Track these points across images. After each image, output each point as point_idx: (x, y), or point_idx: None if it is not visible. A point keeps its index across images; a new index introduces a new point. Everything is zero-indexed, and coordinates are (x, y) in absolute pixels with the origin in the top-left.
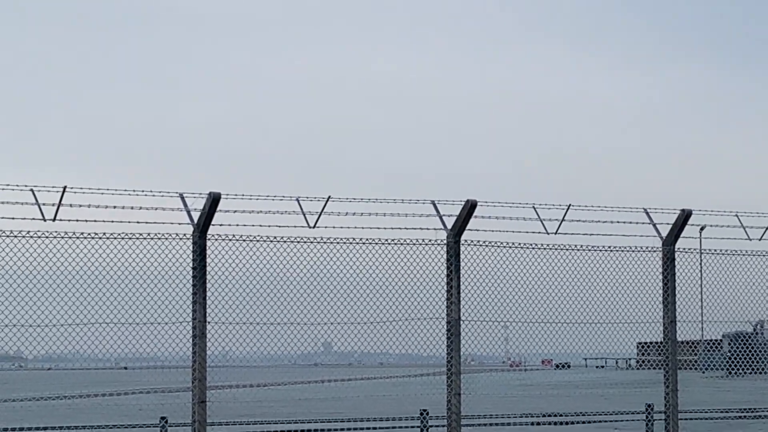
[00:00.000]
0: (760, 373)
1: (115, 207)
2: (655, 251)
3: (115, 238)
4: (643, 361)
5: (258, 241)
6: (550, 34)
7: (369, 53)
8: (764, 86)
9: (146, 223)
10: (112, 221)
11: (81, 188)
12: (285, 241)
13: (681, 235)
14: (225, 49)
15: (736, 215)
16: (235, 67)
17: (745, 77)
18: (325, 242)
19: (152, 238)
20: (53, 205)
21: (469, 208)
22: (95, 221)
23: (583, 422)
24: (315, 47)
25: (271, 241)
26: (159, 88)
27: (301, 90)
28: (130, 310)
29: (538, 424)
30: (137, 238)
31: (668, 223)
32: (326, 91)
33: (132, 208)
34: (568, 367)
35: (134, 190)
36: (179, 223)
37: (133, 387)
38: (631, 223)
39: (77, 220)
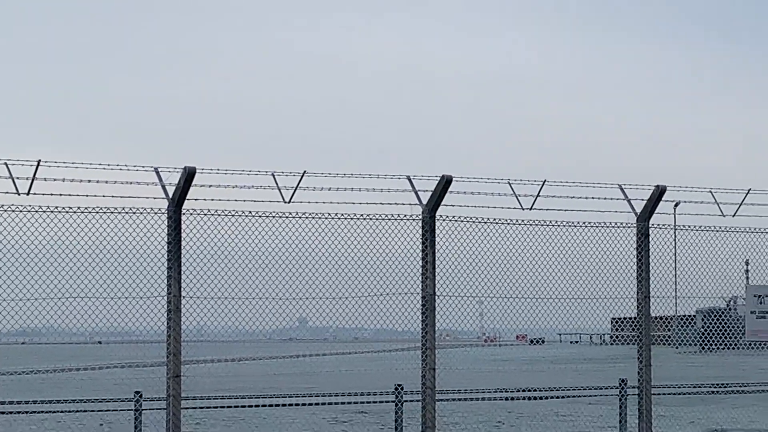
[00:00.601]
0: (733, 348)
1: (89, 181)
2: (629, 227)
3: (89, 212)
4: (617, 337)
5: (233, 215)
6: (525, 10)
7: (344, 29)
8: (739, 64)
9: (121, 197)
10: (87, 195)
11: (55, 162)
12: (260, 216)
13: (655, 211)
14: (200, 24)
15: (710, 191)
16: (212, 41)
17: (719, 55)
18: (300, 217)
19: (127, 213)
20: (27, 179)
21: (445, 183)
22: (69, 195)
23: (557, 397)
24: (290, 22)
25: (246, 216)
26: (134, 62)
27: (277, 65)
28: (105, 284)
29: (513, 399)
30: (112, 212)
31: (643, 199)
32: (302, 66)
33: (106, 182)
34: (543, 342)
35: (109, 164)
36: (154, 198)
37: (108, 361)
38: (605, 199)
39: (51, 194)
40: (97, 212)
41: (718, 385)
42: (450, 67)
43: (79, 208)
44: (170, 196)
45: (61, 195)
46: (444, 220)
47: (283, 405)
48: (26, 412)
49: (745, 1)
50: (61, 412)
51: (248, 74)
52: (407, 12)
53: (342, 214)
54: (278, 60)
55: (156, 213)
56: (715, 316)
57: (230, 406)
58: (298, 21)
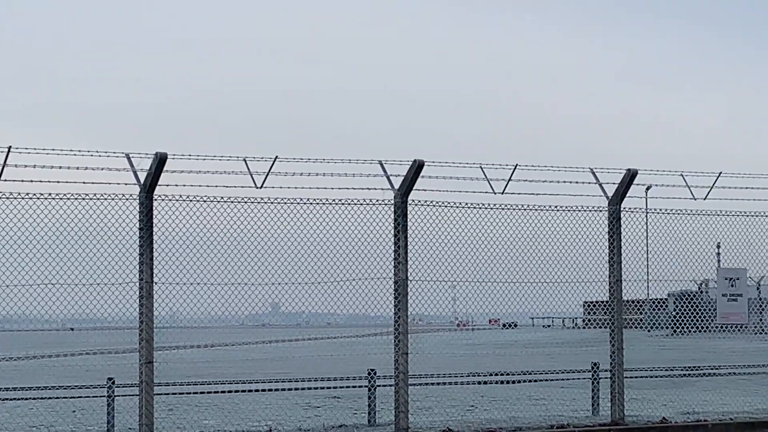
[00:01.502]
0: (704, 331)
1: (60, 167)
2: (601, 211)
3: (60, 199)
4: (590, 320)
5: (205, 201)
6: None
7: (314, 10)
8: (709, 47)
9: (92, 183)
10: (58, 182)
11: (26, 148)
12: (232, 202)
13: (627, 195)
14: (172, 8)
15: (681, 175)
16: (182, 26)
17: (691, 38)
18: (272, 202)
19: (98, 199)
20: None
21: (416, 168)
22: (40, 182)
23: (530, 381)
24: (259, 5)
25: (219, 202)
26: (106, 47)
27: (248, 49)
28: (77, 271)
29: (485, 383)
30: (83, 199)
31: (614, 183)
32: (271, 49)
33: (78, 168)
34: (515, 326)
35: (80, 150)
36: (125, 184)
37: (80, 348)
38: (577, 182)
39: (22, 181)
40: (69, 198)
41: (690, 368)
42: (421, 48)
43: (50, 194)
44: (142, 182)
45: (32, 181)
46: (416, 204)
47: (256, 390)
48: None
49: None
50: (33, 399)
51: (220, 58)
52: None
53: (314, 199)
54: (247, 42)
55: (128, 199)
56: (686, 299)
57: (203, 392)
58: (268, 4)
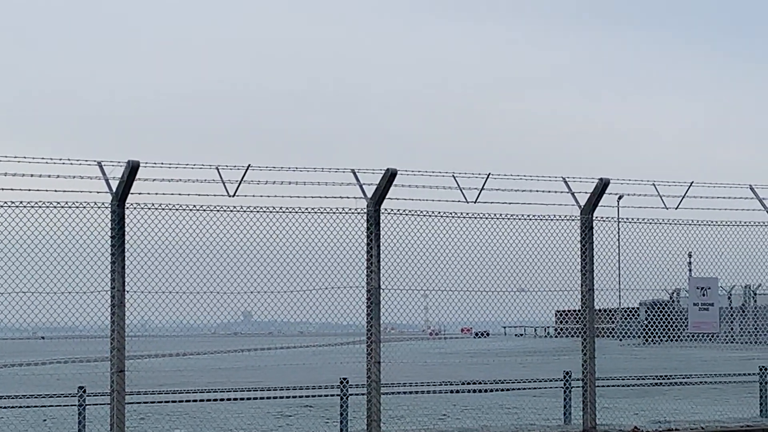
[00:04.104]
0: (676, 340)
1: (32, 175)
2: (573, 220)
3: (32, 207)
4: (562, 329)
5: (177, 209)
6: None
7: (288, 18)
8: (681, 55)
9: (64, 191)
10: (29, 189)
11: None
12: (205, 210)
13: (599, 204)
14: (141, 13)
15: (653, 184)
16: (153, 32)
17: (661, 45)
18: (244, 211)
19: (70, 207)
20: None
21: (389, 176)
22: (11, 189)
23: (502, 390)
24: (232, 11)
25: (191, 210)
26: (76, 54)
27: (221, 56)
28: (48, 279)
29: (458, 392)
30: (55, 207)
31: (586, 192)
32: (245, 56)
33: (49, 176)
34: (487, 335)
35: (51, 159)
36: (97, 192)
37: (51, 357)
38: (549, 191)
39: None
40: (40, 207)
41: (661, 376)
42: (393, 56)
43: (21, 202)
44: (114, 190)
45: (2, 189)
46: (389, 213)
47: (228, 399)
48: None
49: None
50: (3, 408)
51: (191, 64)
52: (351, 4)
53: (287, 208)
54: (220, 48)
55: (99, 207)
56: (658, 308)
57: (175, 401)
58: (242, 11)
